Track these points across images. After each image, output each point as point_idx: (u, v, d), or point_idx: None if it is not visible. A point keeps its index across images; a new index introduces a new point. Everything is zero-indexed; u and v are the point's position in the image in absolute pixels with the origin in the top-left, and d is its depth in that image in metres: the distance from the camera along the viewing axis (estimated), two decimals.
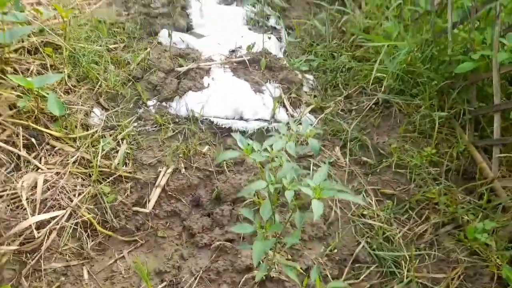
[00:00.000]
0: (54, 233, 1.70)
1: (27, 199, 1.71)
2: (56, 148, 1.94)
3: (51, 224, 1.69)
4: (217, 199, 1.93)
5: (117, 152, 2.05)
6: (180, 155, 2.06)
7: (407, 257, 1.74)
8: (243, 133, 2.26)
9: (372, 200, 1.98)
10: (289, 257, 1.72)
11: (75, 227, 1.75)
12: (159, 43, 2.80)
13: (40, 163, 1.84)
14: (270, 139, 1.33)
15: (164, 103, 2.37)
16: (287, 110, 2.41)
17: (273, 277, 1.63)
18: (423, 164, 2.08)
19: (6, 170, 1.78)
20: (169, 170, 1.97)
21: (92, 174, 1.89)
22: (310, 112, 2.42)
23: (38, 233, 1.64)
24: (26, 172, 1.79)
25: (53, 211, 1.73)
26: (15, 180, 1.73)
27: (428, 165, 2.09)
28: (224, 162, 2.04)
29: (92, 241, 1.75)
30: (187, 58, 2.61)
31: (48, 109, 1.96)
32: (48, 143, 1.94)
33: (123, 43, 2.77)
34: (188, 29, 2.94)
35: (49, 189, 1.78)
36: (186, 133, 2.20)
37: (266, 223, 1.32)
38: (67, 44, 2.41)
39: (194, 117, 2.28)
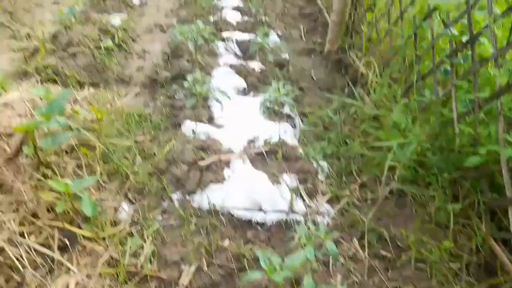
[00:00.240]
0: None
1: None
2: (88, 249, 2.05)
3: None
4: None
5: (142, 248, 2.15)
6: (202, 252, 2.14)
7: None
8: (262, 225, 2.36)
9: None
10: None
11: None
12: (183, 134, 3.01)
13: (72, 265, 1.95)
14: (293, 255, 1.42)
15: (187, 196, 2.51)
16: (304, 200, 2.51)
17: None
18: (443, 258, 2.09)
19: (40, 274, 1.89)
20: (192, 269, 2.04)
21: (119, 275, 1.97)
22: (326, 201, 2.51)
23: None
24: (59, 275, 1.90)
25: None
26: (49, 285, 1.83)
27: (448, 259, 2.10)
28: (245, 259, 2.10)
29: None
30: (208, 150, 2.79)
31: (82, 210, 2.11)
32: (79, 244, 2.06)
33: (150, 135, 3.01)
34: (209, 120, 3.18)
35: None
36: (207, 227, 2.30)
37: None
38: (100, 142, 2.65)
39: (216, 210, 2.39)
